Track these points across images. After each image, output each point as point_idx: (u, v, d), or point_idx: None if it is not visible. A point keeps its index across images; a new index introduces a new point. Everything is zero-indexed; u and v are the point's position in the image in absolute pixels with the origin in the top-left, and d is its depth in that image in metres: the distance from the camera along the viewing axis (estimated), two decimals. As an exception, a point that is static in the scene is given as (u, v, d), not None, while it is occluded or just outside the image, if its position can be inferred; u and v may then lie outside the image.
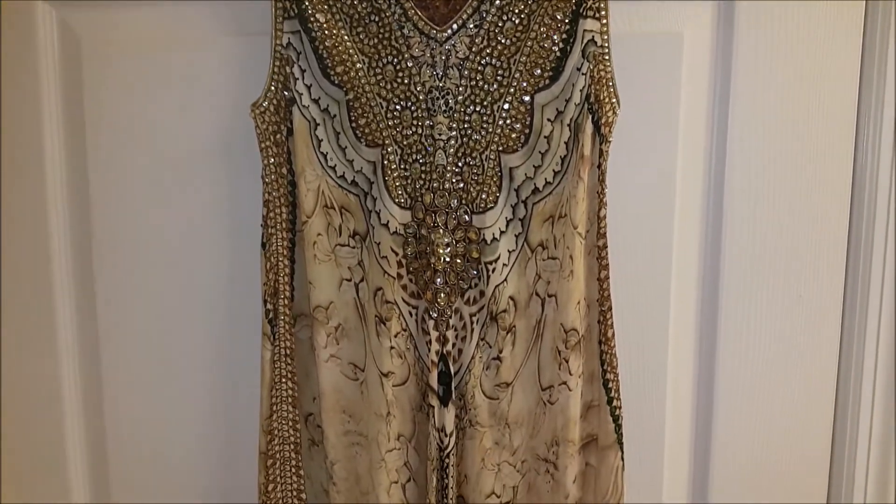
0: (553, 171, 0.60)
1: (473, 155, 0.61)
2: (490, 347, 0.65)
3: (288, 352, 0.67)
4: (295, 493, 0.69)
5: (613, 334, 0.62)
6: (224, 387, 0.77)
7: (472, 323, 0.65)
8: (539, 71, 0.60)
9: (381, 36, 0.60)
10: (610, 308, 0.62)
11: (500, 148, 0.61)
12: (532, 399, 0.66)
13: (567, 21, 0.59)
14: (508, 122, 0.60)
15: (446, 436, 0.65)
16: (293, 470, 0.69)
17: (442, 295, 0.64)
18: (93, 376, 0.79)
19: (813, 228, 0.70)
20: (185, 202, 0.75)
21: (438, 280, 0.63)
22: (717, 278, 0.71)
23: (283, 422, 0.68)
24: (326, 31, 0.60)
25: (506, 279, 0.63)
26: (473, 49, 0.60)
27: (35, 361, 0.78)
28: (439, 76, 0.60)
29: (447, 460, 0.66)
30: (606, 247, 0.61)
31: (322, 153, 0.63)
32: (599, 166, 0.59)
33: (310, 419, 0.72)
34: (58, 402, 0.79)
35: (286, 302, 0.66)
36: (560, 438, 0.64)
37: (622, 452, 0.63)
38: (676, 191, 0.70)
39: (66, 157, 0.76)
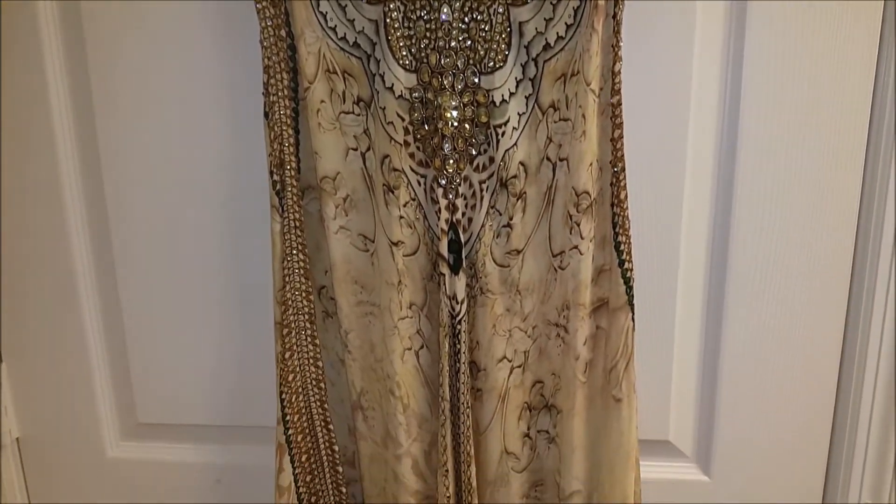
0: (565, 24, 0.57)
1: (480, 9, 0.57)
2: (500, 215, 0.65)
3: (297, 224, 0.67)
4: (311, 361, 0.71)
5: (626, 196, 0.61)
6: (237, 263, 0.78)
7: (481, 190, 0.64)
8: (549, -88, 0.55)
9: None
10: (623, 169, 0.60)
11: (509, 0, 0.57)
12: (543, 266, 0.66)
13: None
14: (517, -29, 0.56)
15: (457, 303, 0.66)
16: (308, 339, 0.70)
17: (450, 162, 0.62)
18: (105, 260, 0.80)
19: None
20: (183, 70, 0.72)
21: (446, 146, 0.61)
22: (734, 138, 0.69)
23: (297, 293, 0.68)
24: None
25: (516, 143, 0.61)
26: None
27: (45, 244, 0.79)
28: (442, -78, 0.56)
29: (459, 327, 0.67)
30: (621, 104, 0.58)
31: (321, 13, 0.60)
32: (615, 16, 0.56)
33: (322, 292, 0.72)
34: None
35: (293, 173, 0.65)
36: (571, 302, 0.65)
37: (633, 314, 0.63)
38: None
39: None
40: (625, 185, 0.61)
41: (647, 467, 0.75)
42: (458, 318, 0.66)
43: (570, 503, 0.70)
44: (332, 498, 0.75)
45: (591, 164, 0.60)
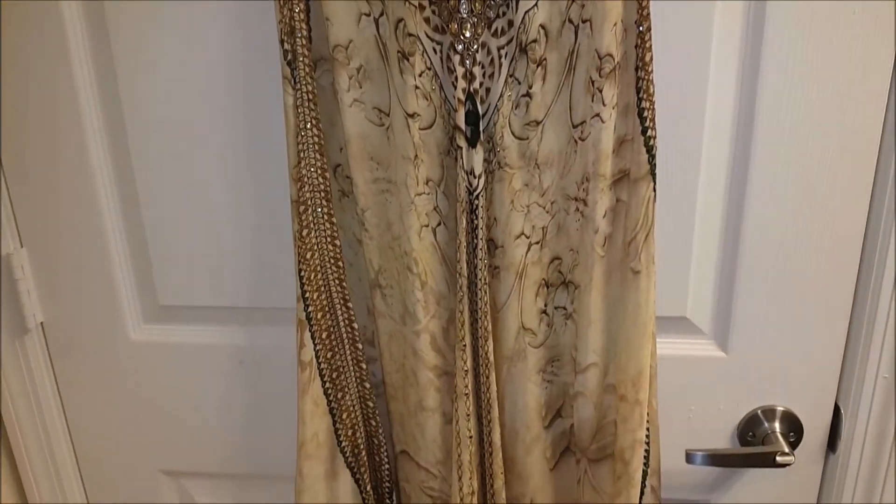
0: None
1: None
2: (519, 84, 0.63)
3: (310, 96, 0.65)
4: (329, 240, 0.71)
5: (651, 58, 0.58)
6: (251, 140, 0.76)
7: (500, 57, 0.62)
8: None
9: None
10: (649, 28, 0.57)
11: None
12: (563, 137, 0.64)
13: None
14: None
15: (475, 178, 0.65)
16: (325, 217, 0.70)
17: (468, 26, 0.60)
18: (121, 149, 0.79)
19: None
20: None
21: (463, 7, 0.59)
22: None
23: (312, 169, 0.68)
24: None
25: (536, 4, 0.59)
26: None
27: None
28: None
29: (476, 202, 0.66)
30: (646, -46, 0.55)
31: None
32: None
33: (338, 170, 0.71)
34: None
35: (304, 42, 0.63)
36: (591, 174, 0.64)
37: (654, 184, 0.62)
38: None
39: None
40: (650, 45, 0.58)
41: (663, 344, 0.76)
42: (475, 194, 0.66)
43: (586, 375, 0.72)
44: (352, 374, 0.76)
45: (615, 25, 0.58)
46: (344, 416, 0.77)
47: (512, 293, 0.71)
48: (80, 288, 0.84)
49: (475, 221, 0.67)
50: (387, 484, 0.82)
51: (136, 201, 0.80)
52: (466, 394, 0.72)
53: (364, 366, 0.77)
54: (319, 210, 0.70)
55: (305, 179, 0.68)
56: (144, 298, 0.85)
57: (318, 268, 0.72)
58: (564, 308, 0.72)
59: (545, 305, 0.72)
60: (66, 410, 0.91)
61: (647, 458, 0.72)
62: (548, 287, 0.71)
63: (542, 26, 0.60)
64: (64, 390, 0.91)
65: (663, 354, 0.76)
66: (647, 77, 0.59)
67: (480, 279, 0.69)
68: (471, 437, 0.74)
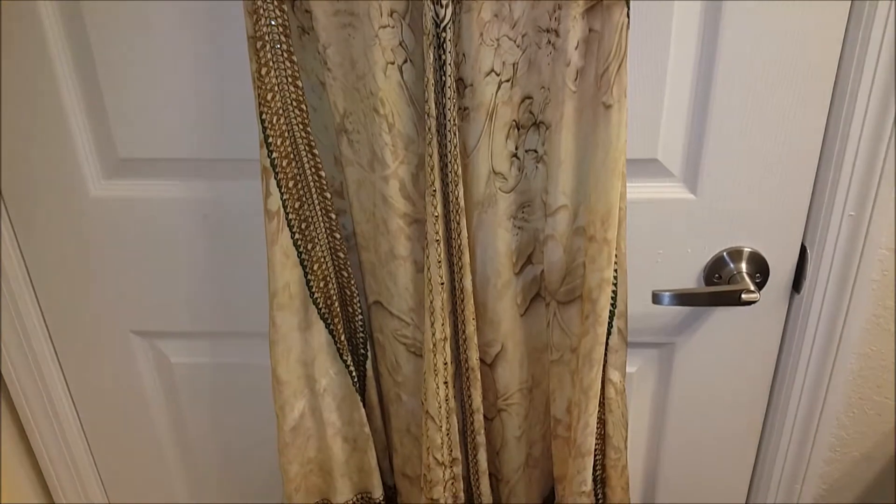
0: None
1: None
2: None
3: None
4: (290, 80, 0.68)
5: None
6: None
7: None
8: None
9: None
10: None
11: None
12: (534, -39, 0.61)
13: None
14: None
15: (441, 7, 0.62)
16: (285, 55, 0.67)
17: None
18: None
19: None
20: None
21: None
22: None
23: (268, 1, 0.64)
24: None
25: None
26: None
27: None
28: None
29: (444, 35, 0.63)
30: None
31: None
32: None
33: (297, 5, 0.67)
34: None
35: None
36: (563, 2, 0.61)
37: (628, 9, 0.60)
38: None
39: None
40: None
41: (633, 188, 0.76)
42: (442, 26, 0.63)
43: (556, 218, 0.72)
44: (321, 224, 0.76)
45: None
46: (315, 267, 0.77)
47: (482, 136, 0.69)
48: (35, 146, 0.81)
49: (443, 57, 0.64)
50: (361, 335, 0.83)
51: (88, 49, 0.76)
52: (437, 240, 0.72)
53: (333, 216, 0.76)
54: (278, 46, 0.66)
55: (262, 12, 0.64)
56: (103, 152, 0.82)
57: (281, 111, 0.69)
58: (535, 151, 0.71)
59: (516, 148, 0.71)
60: (31, 274, 0.90)
61: (614, 299, 0.74)
62: (518, 129, 0.70)
63: None
64: (27, 253, 0.89)
65: (633, 198, 0.76)
66: None
67: (450, 120, 0.67)
68: (442, 283, 0.74)
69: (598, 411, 0.78)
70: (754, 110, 0.72)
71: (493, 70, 0.66)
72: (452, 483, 0.84)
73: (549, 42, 0.65)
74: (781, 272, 0.80)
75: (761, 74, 0.71)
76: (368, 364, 0.85)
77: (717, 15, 0.69)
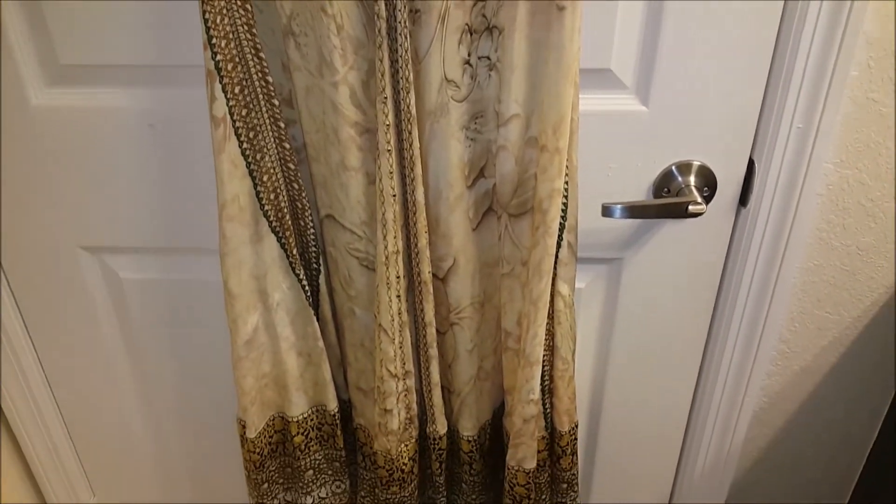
0: None
1: None
2: None
3: None
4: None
5: None
6: None
7: None
8: None
9: None
10: None
11: None
12: None
13: None
14: None
15: None
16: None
17: None
18: None
19: None
20: None
21: None
22: None
23: None
24: None
25: None
26: None
27: None
28: None
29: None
30: None
31: None
32: None
33: None
34: None
35: None
36: None
37: None
38: None
39: None
40: None
41: (586, 100, 0.76)
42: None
43: (508, 128, 0.72)
44: (270, 134, 0.75)
45: None
46: (265, 178, 0.77)
47: (434, 40, 0.68)
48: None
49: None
50: (313, 248, 0.83)
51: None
52: (389, 150, 0.72)
53: (282, 125, 0.75)
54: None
55: None
56: (43, 58, 0.79)
57: (224, 10, 0.67)
58: (488, 58, 0.70)
59: (468, 55, 0.70)
60: (-28, 187, 0.88)
61: (564, 212, 0.75)
62: (471, 34, 0.69)
63: None
64: (-34, 166, 0.87)
65: (586, 111, 0.77)
66: None
67: (400, 23, 0.66)
68: (394, 195, 0.74)
69: (547, 323, 0.80)
70: (708, 21, 0.72)
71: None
72: (405, 395, 0.86)
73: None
74: (729, 186, 0.81)
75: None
76: (321, 279, 0.85)
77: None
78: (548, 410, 0.87)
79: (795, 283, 0.87)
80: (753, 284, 0.86)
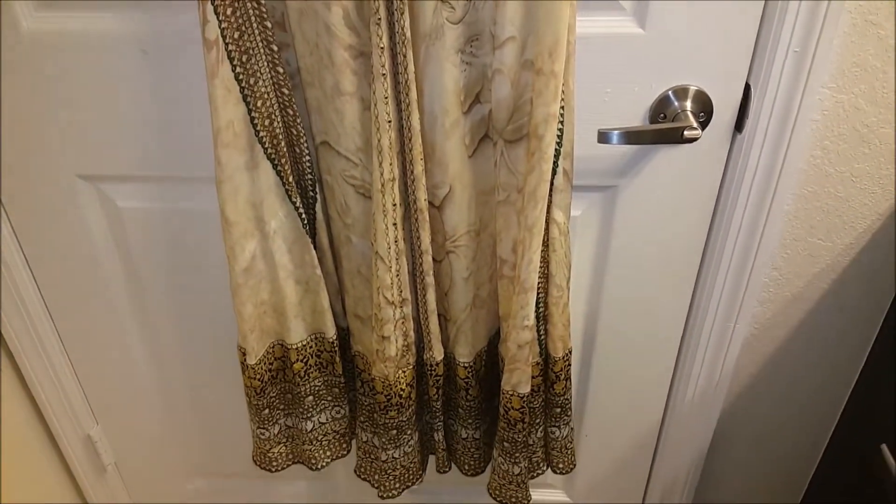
0: None
1: None
2: None
3: None
4: None
5: None
6: None
7: None
8: None
9: None
10: None
11: None
12: None
13: None
14: None
15: None
16: None
17: None
18: None
19: None
20: None
21: None
22: None
23: None
24: None
25: None
26: None
27: None
28: None
29: None
30: None
31: None
32: None
33: None
34: None
35: None
36: None
37: None
38: None
39: None
40: None
41: (583, 21, 0.77)
42: None
43: (504, 51, 0.73)
44: (264, 58, 0.75)
45: None
46: (258, 103, 0.78)
47: (428, -40, 0.69)
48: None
49: None
50: (309, 176, 0.85)
51: None
52: (383, 74, 0.73)
53: (275, 48, 0.76)
54: None
55: None
56: (30, -23, 0.79)
57: (215, -72, 0.67)
58: (483, -22, 0.71)
59: (463, -26, 0.71)
60: (-35, 115, 0.89)
61: (560, 137, 0.76)
62: (466, -47, 0.69)
63: None
64: (-42, 95, 0.87)
65: (582, 34, 0.77)
66: None
67: (393, -59, 0.66)
68: (389, 121, 0.76)
69: (542, 250, 0.82)
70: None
71: None
72: (402, 322, 0.89)
73: None
74: (725, 111, 0.82)
75: None
76: (318, 207, 0.87)
77: None
78: (542, 337, 0.90)
79: (789, 210, 0.89)
80: (747, 210, 0.88)
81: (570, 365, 0.92)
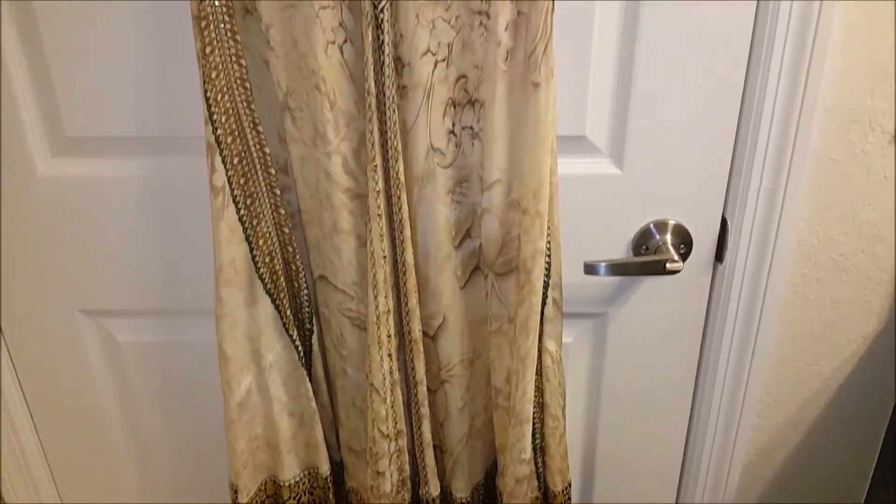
0: None
1: None
2: None
3: None
4: (234, 59, 0.74)
5: None
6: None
7: None
8: None
9: None
10: None
11: None
12: (464, -54, 0.68)
13: None
14: None
15: (380, -14, 0.68)
16: (229, 34, 0.72)
17: None
18: None
19: None
20: None
21: None
22: None
23: (212, -18, 0.69)
24: None
25: None
26: None
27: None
28: None
29: (381, 16, 0.69)
30: None
31: None
32: None
33: (240, -14, 0.73)
34: None
35: None
36: (492, -15, 0.68)
37: (552, -8, 0.67)
38: None
39: None
40: None
41: (564, 163, 0.83)
42: (380, 7, 0.69)
43: (492, 192, 0.79)
44: (267, 201, 0.81)
45: None
46: (260, 242, 0.83)
47: (420, 113, 0.76)
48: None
49: (381, 37, 0.70)
50: (306, 309, 0.89)
51: (35, 28, 0.80)
52: (379, 214, 0.78)
53: (278, 192, 0.82)
54: (222, 26, 0.72)
55: (206, -5, 0.70)
56: (51, 130, 0.86)
57: (225, 88, 0.75)
58: (471, 128, 0.78)
59: (453, 125, 0.78)
60: (-26, 254, 0.94)
61: (548, 270, 0.81)
62: (455, 106, 0.77)
63: None
64: (-30, 234, 0.93)
65: (564, 173, 0.84)
66: None
67: (389, 98, 0.73)
68: (385, 257, 0.80)
69: (536, 380, 0.85)
70: (674, 89, 0.80)
71: (429, 50, 0.73)
72: (398, 456, 0.90)
73: (481, 24, 0.71)
74: (704, 243, 0.88)
75: (679, 54, 0.79)
76: (314, 339, 0.90)
77: (637, 6, 0.77)
78: (540, 469, 0.91)
79: (775, 336, 0.93)
80: (735, 337, 0.91)
81: (570, 498, 0.93)
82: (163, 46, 0.81)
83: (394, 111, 0.74)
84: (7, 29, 0.80)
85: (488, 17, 0.70)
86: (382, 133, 0.75)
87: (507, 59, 0.72)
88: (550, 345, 0.85)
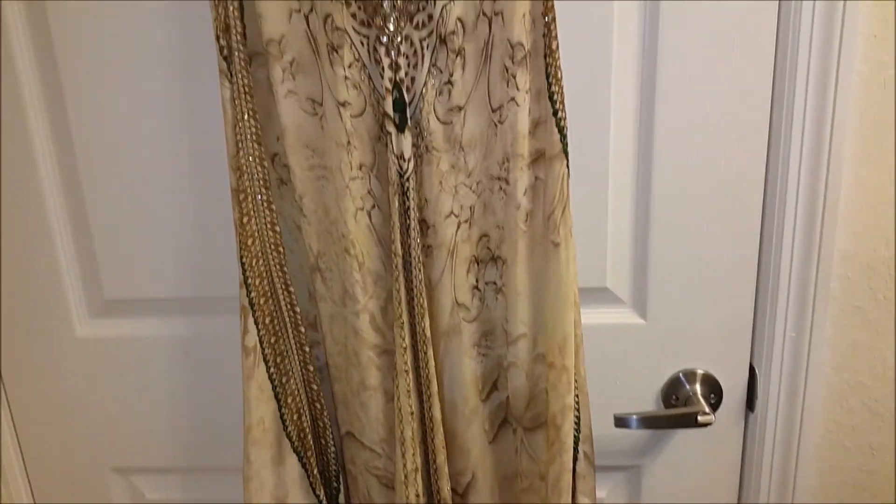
0: None
1: None
2: (441, 72, 0.72)
3: (247, 89, 0.73)
4: (269, 226, 0.79)
5: (558, 46, 0.69)
6: (191, 133, 0.85)
7: (422, 48, 0.71)
8: None
9: None
10: (554, 19, 0.68)
11: None
12: (484, 121, 0.74)
13: None
14: None
15: (405, 161, 0.74)
16: (265, 204, 0.78)
17: (391, 19, 0.69)
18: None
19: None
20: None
21: (386, 3, 0.68)
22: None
23: (250, 158, 0.76)
24: None
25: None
26: None
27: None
28: None
29: (407, 184, 0.75)
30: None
31: None
32: None
33: (276, 159, 0.79)
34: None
35: (238, 38, 0.71)
36: (510, 154, 0.73)
37: (567, 161, 0.72)
38: None
39: None
40: (556, 35, 0.68)
41: (587, 314, 0.85)
42: (405, 176, 0.75)
43: (517, 346, 0.81)
44: (296, 358, 0.84)
45: (523, 16, 0.68)
46: (289, 400, 0.85)
47: (445, 270, 0.80)
48: (25, 284, 0.90)
49: (407, 203, 0.76)
50: (333, 467, 0.89)
51: (80, 196, 0.87)
52: (406, 370, 0.81)
53: (307, 349, 0.84)
54: (259, 198, 0.78)
55: (244, 169, 0.76)
56: (90, 293, 0.91)
57: (260, 254, 0.79)
58: (494, 283, 0.81)
59: (476, 281, 0.81)
60: (13, 409, 0.97)
61: (577, 424, 0.81)
62: (478, 263, 0.81)
63: (459, 19, 0.69)
64: (10, 388, 0.96)
65: (587, 324, 0.86)
66: (554, 63, 0.70)
67: (415, 258, 0.77)
68: (412, 413, 0.82)
69: (571, 538, 0.83)
70: (692, 239, 0.84)
71: (452, 212, 0.78)
72: None
73: (500, 188, 0.76)
74: (734, 392, 0.88)
75: (695, 205, 0.83)
76: (341, 497, 0.90)
77: (650, 164, 0.82)
78: None
79: (815, 486, 0.91)
80: (772, 487, 0.90)
81: None
82: (199, 211, 0.87)
83: (419, 269, 0.78)
84: (55, 196, 0.88)
85: (507, 182, 0.75)
86: (408, 290, 0.79)
87: (526, 220, 0.76)
88: (584, 501, 0.84)
